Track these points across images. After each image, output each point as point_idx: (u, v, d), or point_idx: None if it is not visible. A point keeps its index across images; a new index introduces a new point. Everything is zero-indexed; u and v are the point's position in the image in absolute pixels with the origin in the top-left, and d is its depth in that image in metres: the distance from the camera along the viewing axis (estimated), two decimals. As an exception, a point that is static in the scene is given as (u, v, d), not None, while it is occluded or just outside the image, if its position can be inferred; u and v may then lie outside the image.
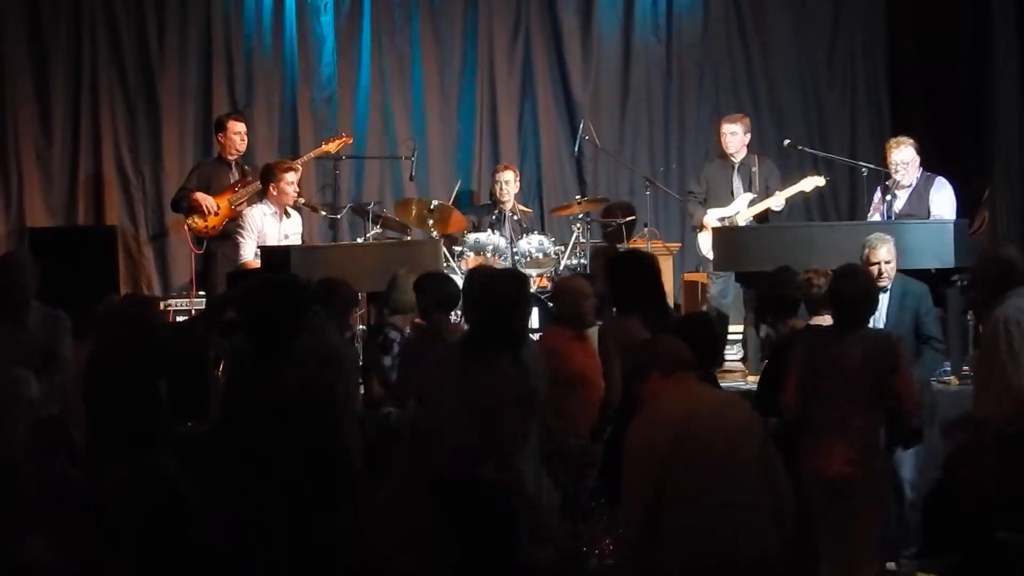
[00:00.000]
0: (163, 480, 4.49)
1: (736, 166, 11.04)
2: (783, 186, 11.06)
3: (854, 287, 6.65)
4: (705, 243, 10.89)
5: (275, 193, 10.13)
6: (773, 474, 5.10)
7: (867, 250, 8.25)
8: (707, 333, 6.29)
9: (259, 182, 10.36)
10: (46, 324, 7.35)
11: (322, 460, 5.53)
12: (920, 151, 10.18)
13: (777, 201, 10.78)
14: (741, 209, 10.87)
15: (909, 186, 10.13)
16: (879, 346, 6.47)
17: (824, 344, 6.61)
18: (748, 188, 10.99)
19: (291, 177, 10.15)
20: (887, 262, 8.17)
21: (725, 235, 10.14)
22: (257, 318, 5.72)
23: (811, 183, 10.90)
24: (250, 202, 10.38)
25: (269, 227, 10.12)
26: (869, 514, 6.35)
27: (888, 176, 10.20)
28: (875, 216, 10.30)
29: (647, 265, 7.16)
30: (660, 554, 4.91)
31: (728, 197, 10.98)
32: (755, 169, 11.02)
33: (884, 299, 7.85)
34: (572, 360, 6.99)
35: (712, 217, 10.90)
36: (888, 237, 8.34)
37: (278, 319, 5.68)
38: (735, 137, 11.04)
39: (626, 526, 5.06)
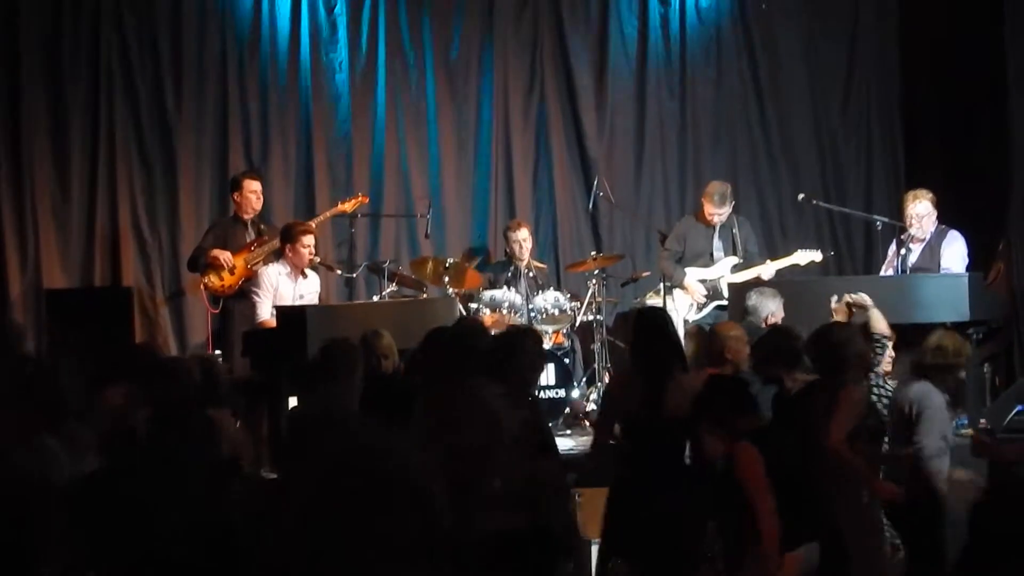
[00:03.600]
0: None
1: (717, 227, 10.97)
2: (759, 248, 11.11)
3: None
4: (682, 302, 10.85)
5: (291, 254, 10.18)
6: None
7: None
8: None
9: (276, 241, 10.41)
10: None
11: None
12: (937, 205, 10.16)
13: (767, 271, 10.71)
14: (725, 273, 10.79)
15: (923, 240, 10.11)
16: (829, 393, 6.49)
17: None
18: (732, 251, 10.91)
19: (308, 240, 10.19)
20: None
21: (742, 290, 10.11)
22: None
23: (807, 257, 10.82)
24: (266, 261, 10.42)
25: (284, 286, 10.16)
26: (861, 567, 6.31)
27: (903, 230, 10.18)
28: (889, 270, 10.29)
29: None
30: None
31: (707, 258, 10.92)
32: (735, 230, 10.95)
33: None
34: None
35: (692, 279, 10.84)
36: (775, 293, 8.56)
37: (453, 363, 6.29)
38: (722, 218, 10.96)
39: None
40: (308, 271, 10.37)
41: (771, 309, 8.70)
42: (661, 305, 10.92)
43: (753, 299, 8.81)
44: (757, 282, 10.46)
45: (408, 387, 5.95)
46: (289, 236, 10.26)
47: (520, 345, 6.59)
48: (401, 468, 4.90)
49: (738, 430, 6.07)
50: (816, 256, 10.83)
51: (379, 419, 5.61)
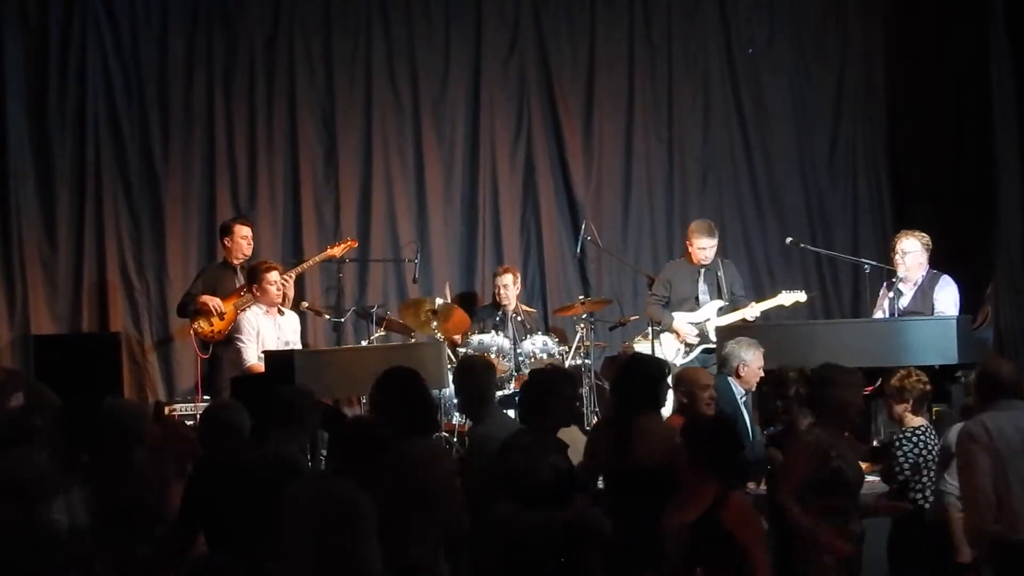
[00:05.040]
0: None
1: (702, 270, 10.99)
2: (746, 290, 11.12)
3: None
4: (670, 346, 10.85)
5: (259, 294, 10.16)
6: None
7: None
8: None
9: (256, 285, 10.39)
10: None
11: None
12: (929, 248, 10.15)
13: (752, 312, 10.70)
14: (711, 316, 10.80)
15: (915, 284, 10.11)
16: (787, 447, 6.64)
17: None
18: (717, 294, 10.92)
19: (273, 276, 10.16)
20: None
21: (731, 334, 10.12)
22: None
23: (791, 298, 10.80)
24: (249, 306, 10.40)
25: (265, 327, 10.14)
26: None
27: (893, 273, 10.18)
28: (879, 313, 10.28)
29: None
30: None
31: (693, 302, 10.94)
32: (721, 273, 10.96)
33: None
34: None
35: (681, 321, 10.84)
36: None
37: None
38: (711, 251, 10.97)
39: None
40: (284, 309, 10.36)
41: (744, 359, 8.68)
42: (649, 351, 10.93)
43: (728, 348, 8.85)
44: (743, 325, 10.48)
45: (379, 435, 5.89)
46: (254, 277, 10.24)
47: (551, 388, 6.52)
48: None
49: (728, 477, 5.99)
50: (800, 297, 10.82)
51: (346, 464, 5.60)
